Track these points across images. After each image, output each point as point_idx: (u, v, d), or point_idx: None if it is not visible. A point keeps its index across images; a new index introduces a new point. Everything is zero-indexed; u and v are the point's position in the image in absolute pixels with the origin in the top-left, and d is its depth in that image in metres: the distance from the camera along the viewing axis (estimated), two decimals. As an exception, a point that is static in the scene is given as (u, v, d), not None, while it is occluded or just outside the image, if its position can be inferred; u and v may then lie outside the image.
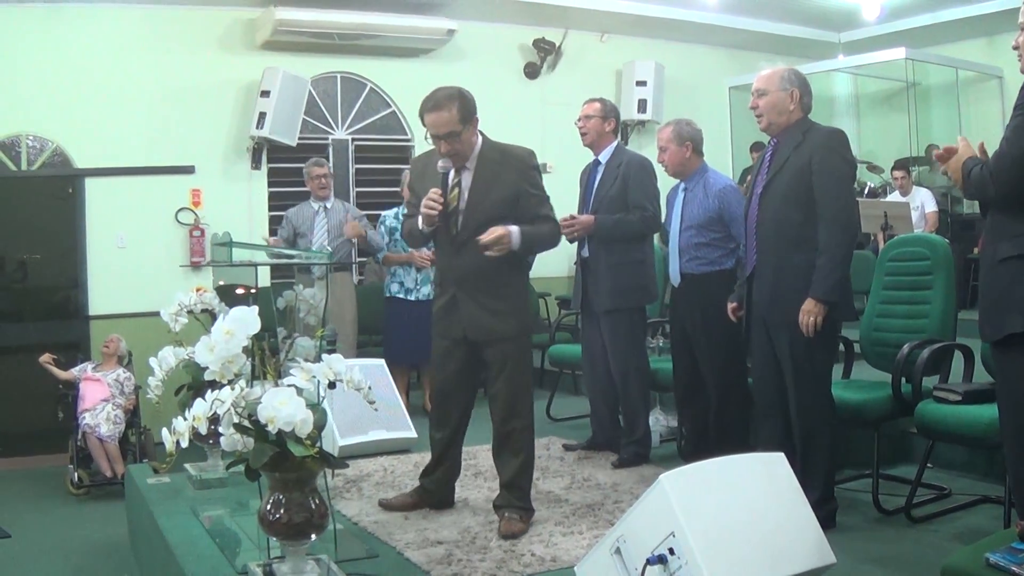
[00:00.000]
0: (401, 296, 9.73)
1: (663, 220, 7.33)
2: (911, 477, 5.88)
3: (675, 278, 7.04)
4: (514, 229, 5.47)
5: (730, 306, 6.29)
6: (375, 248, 9.85)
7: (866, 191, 13.14)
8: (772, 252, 5.59)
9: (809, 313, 5.39)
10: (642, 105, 13.41)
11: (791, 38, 14.56)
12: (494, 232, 5.41)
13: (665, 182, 7.27)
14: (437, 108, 5.46)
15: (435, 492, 5.96)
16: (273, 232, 10.99)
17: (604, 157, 7.43)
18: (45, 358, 9.14)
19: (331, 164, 11.74)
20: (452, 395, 5.88)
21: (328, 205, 9.85)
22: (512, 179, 5.56)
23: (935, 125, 14.54)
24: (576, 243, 7.42)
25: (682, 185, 7.11)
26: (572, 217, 7.24)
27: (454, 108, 5.42)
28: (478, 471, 6.80)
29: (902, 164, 12.50)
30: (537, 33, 13.16)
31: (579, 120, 7.50)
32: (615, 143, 7.50)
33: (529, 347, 5.81)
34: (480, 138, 5.65)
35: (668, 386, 7.62)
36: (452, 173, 5.60)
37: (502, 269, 5.56)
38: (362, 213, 9.95)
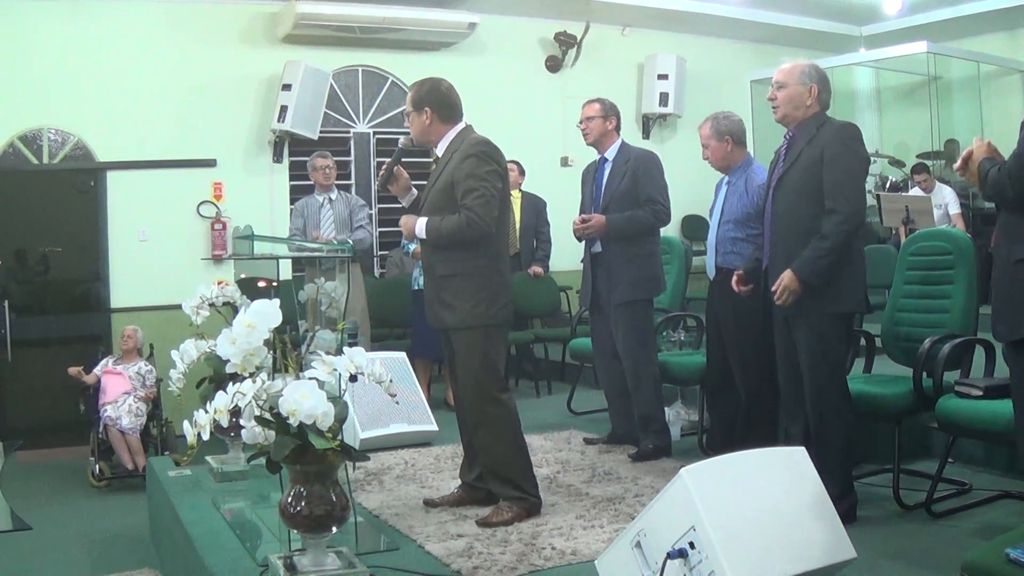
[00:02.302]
0: (428, 289, 9.74)
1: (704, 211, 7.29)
2: (932, 472, 5.87)
3: (711, 271, 6.99)
4: (420, 221, 5.66)
5: (736, 274, 6.27)
6: (361, 248, 9.82)
7: (888, 185, 13.11)
8: (785, 245, 5.57)
9: (784, 287, 5.42)
10: (664, 99, 13.43)
11: (812, 32, 14.56)
12: (403, 220, 5.80)
13: (702, 175, 7.22)
14: (410, 88, 5.92)
15: (479, 489, 5.93)
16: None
17: (610, 155, 7.40)
18: (74, 371, 9.18)
19: (352, 157, 11.82)
20: (457, 392, 5.96)
21: (332, 197, 9.84)
22: (452, 167, 5.63)
23: (957, 119, 14.50)
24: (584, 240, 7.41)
25: (725, 179, 7.05)
26: (584, 220, 7.24)
27: (413, 91, 5.84)
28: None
29: (921, 167, 12.44)
30: (559, 26, 13.16)
31: (580, 122, 7.49)
32: (619, 140, 7.45)
33: (484, 338, 5.66)
34: (456, 130, 5.78)
35: (690, 380, 7.61)
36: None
37: (446, 259, 5.66)
38: (364, 202, 9.95)
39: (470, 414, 5.76)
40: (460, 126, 5.79)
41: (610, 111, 7.43)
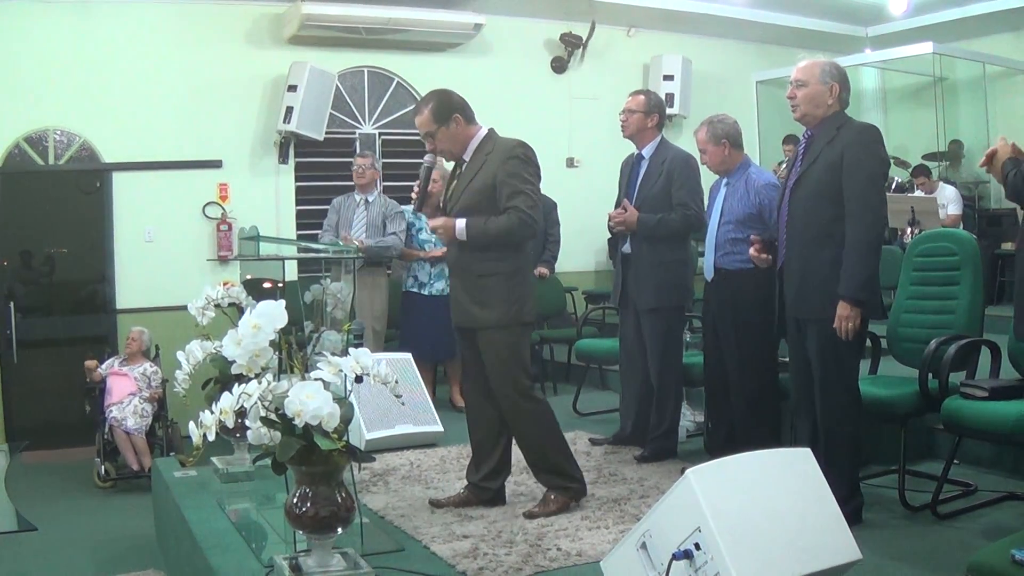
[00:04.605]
0: (415, 291, 9.71)
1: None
2: (937, 473, 5.86)
3: (709, 272, 6.97)
4: (460, 222, 5.68)
5: (755, 242, 6.08)
6: (384, 255, 9.75)
7: (893, 186, 13.11)
8: (800, 247, 5.55)
9: (844, 318, 5.32)
10: (669, 99, 13.37)
11: (818, 32, 14.54)
12: (435, 222, 5.80)
13: (708, 176, 7.22)
14: (416, 111, 5.89)
15: (485, 490, 5.97)
16: (306, 226, 11.10)
17: (648, 152, 7.31)
18: (91, 363, 9.21)
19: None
20: (472, 394, 6.05)
21: (370, 199, 9.76)
22: (492, 169, 5.69)
23: (962, 120, 14.49)
24: (609, 239, 7.37)
25: (724, 180, 7.03)
26: (624, 209, 7.21)
27: (427, 110, 5.78)
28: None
29: (920, 170, 12.49)
30: (564, 27, 13.16)
31: (621, 112, 7.40)
32: (659, 138, 7.36)
33: (516, 336, 5.78)
34: (482, 133, 5.84)
35: (695, 381, 7.60)
36: (434, 167, 6.02)
37: (484, 259, 5.72)
38: (401, 208, 9.85)
39: (506, 412, 5.82)
40: (483, 129, 5.85)
41: (653, 108, 7.34)
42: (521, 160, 5.72)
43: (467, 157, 5.83)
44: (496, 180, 5.64)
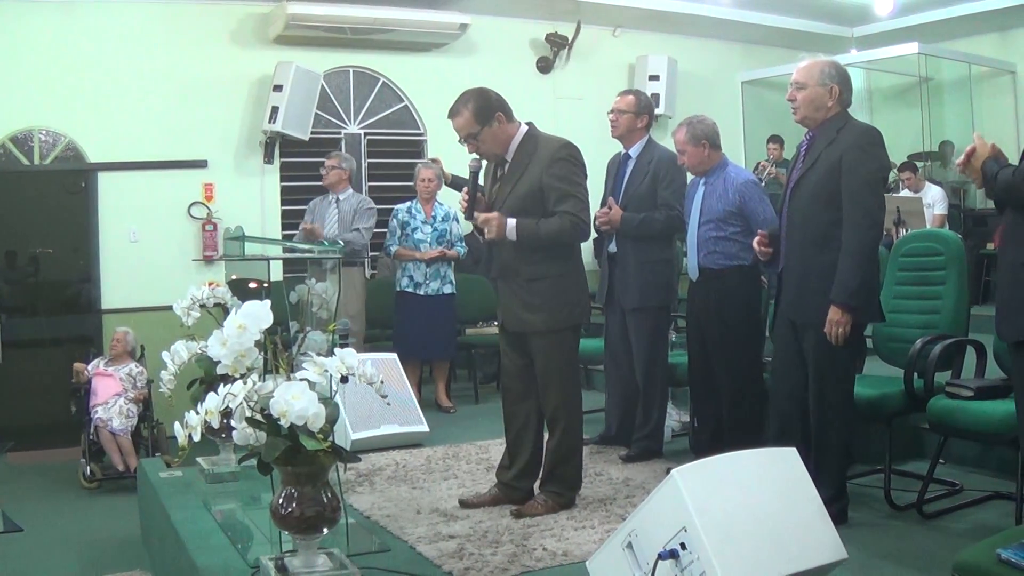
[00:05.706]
0: (410, 290, 9.70)
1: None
2: (923, 473, 5.88)
3: (693, 272, 6.97)
4: (510, 221, 5.59)
5: (760, 234, 5.94)
6: (354, 248, 9.71)
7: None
8: (800, 251, 5.53)
9: (835, 323, 5.31)
10: (655, 100, 13.37)
11: (804, 32, 14.55)
12: (486, 216, 5.64)
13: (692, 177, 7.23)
14: (454, 113, 5.72)
15: (517, 489, 5.95)
16: (291, 226, 11.08)
17: (635, 152, 7.33)
18: (79, 367, 9.19)
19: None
20: (509, 391, 6.04)
21: (341, 197, 9.83)
22: (537, 172, 5.63)
23: (948, 120, 14.52)
24: (594, 238, 7.37)
25: (701, 180, 7.03)
26: (609, 208, 7.22)
27: (467, 111, 5.66)
28: (490, 465, 6.76)
29: (907, 165, 12.49)
30: (550, 27, 13.16)
31: (611, 112, 7.40)
32: (646, 138, 7.38)
33: (568, 340, 5.81)
34: (523, 131, 5.79)
35: (682, 381, 7.60)
36: (482, 170, 5.88)
37: (534, 262, 5.67)
38: (372, 205, 9.87)
39: (547, 417, 5.84)
40: (523, 126, 5.81)
41: (643, 108, 7.36)
42: (568, 161, 5.67)
43: (508, 157, 5.78)
44: (543, 183, 5.60)
